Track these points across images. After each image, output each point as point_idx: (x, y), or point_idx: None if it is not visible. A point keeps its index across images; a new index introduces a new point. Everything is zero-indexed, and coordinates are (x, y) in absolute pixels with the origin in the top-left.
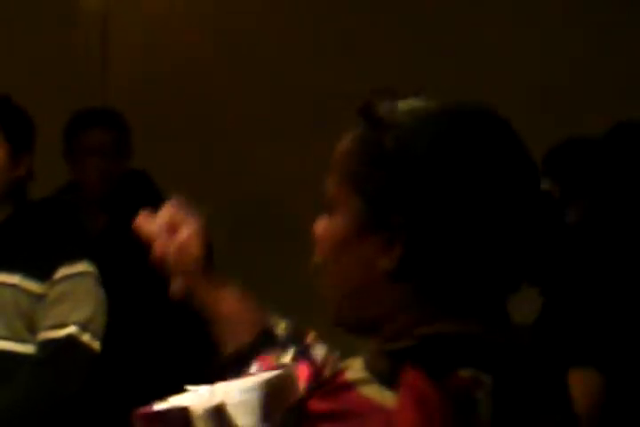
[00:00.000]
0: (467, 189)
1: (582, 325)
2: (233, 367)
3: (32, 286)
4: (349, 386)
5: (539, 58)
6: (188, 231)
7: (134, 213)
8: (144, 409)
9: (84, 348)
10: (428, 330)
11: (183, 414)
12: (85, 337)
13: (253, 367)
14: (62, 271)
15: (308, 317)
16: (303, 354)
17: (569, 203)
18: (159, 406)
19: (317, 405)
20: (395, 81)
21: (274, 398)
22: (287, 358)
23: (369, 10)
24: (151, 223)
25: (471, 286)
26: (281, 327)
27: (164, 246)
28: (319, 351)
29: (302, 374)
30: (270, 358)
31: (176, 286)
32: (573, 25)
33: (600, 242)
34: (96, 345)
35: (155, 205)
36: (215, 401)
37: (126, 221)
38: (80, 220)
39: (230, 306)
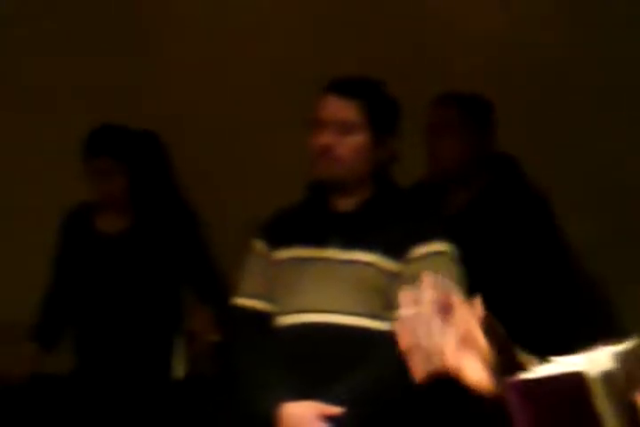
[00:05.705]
0: None
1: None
2: None
3: (389, 264)
4: None
5: None
6: (467, 316)
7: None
8: (520, 379)
9: None
10: None
11: (576, 377)
12: None
13: None
14: (417, 251)
15: None
16: None
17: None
18: (531, 374)
19: None
20: None
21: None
22: None
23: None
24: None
25: None
26: None
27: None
28: None
29: None
30: None
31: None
32: None
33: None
34: None
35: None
36: (604, 367)
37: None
38: (439, 201)
39: None
